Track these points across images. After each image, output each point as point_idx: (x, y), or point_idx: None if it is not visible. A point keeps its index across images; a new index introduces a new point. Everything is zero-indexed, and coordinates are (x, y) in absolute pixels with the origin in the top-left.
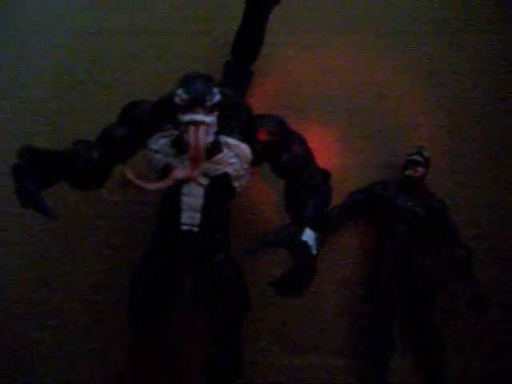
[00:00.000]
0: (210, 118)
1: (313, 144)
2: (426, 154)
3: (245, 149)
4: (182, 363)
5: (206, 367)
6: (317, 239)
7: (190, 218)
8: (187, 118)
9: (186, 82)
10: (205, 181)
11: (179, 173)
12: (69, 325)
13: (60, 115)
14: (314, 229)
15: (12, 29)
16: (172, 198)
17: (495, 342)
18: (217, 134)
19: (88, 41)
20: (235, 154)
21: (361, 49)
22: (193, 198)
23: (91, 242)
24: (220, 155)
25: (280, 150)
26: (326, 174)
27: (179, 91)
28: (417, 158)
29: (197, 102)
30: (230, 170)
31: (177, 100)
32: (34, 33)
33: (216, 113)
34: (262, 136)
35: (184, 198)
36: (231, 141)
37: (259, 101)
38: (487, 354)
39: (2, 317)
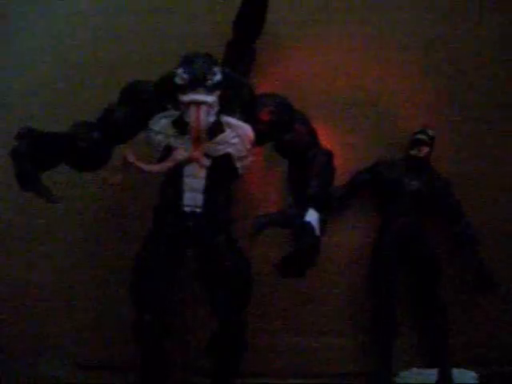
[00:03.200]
0: (211, 98)
1: (316, 124)
2: (431, 133)
3: (247, 129)
4: (185, 343)
5: (209, 347)
6: (320, 220)
7: (193, 199)
8: (188, 97)
9: (186, 61)
10: (207, 161)
11: (180, 154)
12: (74, 309)
13: (62, 96)
14: (317, 209)
15: (13, 11)
16: (174, 179)
17: (499, 320)
18: (218, 114)
19: (89, 21)
20: (237, 134)
21: (363, 26)
22: (195, 179)
23: (92, 225)
24: (222, 135)
25: (283, 129)
26: (329, 154)
27: (180, 71)
28: (422, 137)
29: (197, 82)
30: (232, 150)
31: (177, 80)
32: (35, 14)
33: (217, 92)
34: (265, 116)
35: (186, 179)
36: (233, 121)
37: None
38: (491, 331)
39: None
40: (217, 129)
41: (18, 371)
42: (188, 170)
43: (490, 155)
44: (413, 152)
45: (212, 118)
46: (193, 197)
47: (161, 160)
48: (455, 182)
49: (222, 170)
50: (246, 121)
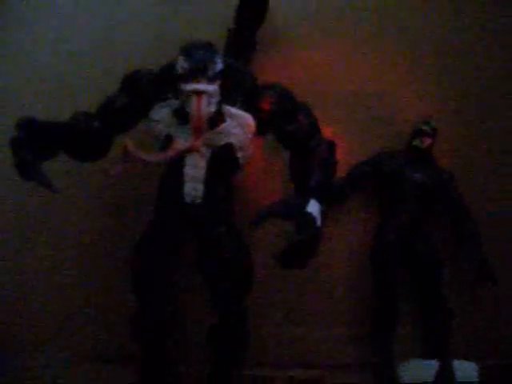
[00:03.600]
0: (212, 87)
1: (317, 114)
2: (434, 125)
3: (248, 119)
4: (185, 336)
5: (209, 338)
6: (321, 211)
7: (193, 189)
8: (189, 87)
9: (187, 50)
10: (208, 151)
11: (181, 144)
12: (73, 305)
13: (60, 85)
14: (319, 200)
15: (13, 6)
16: (175, 169)
17: (500, 312)
18: (219, 103)
19: (88, 8)
20: (238, 123)
21: (365, 20)
22: (196, 169)
23: (92, 217)
24: (223, 125)
25: (285, 119)
26: (331, 145)
27: (181, 60)
28: (424, 128)
29: (199, 71)
30: (233, 140)
31: (178, 69)
32: (33, 2)
33: (218, 82)
34: (266, 105)
35: (187, 170)
36: (234, 110)
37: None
38: (492, 323)
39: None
40: (218, 118)
41: (15, 368)
42: (189, 160)
43: (492, 150)
44: (415, 143)
45: (213, 108)
46: (193, 187)
47: (161, 150)
48: (457, 177)
49: (223, 160)
50: (247, 110)
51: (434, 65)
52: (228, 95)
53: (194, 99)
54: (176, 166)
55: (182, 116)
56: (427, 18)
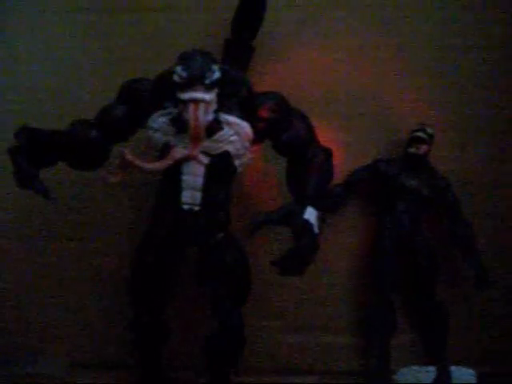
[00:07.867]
0: (209, 96)
1: (314, 121)
2: (430, 131)
3: (245, 127)
4: (183, 342)
5: (206, 346)
6: (319, 218)
7: (191, 197)
8: (186, 95)
9: (184, 59)
10: (205, 159)
11: (178, 152)
12: (73, 308)
13: (57, 94)
14: (315, 207)
15: (4, 4)
16: (172, 177)
17: (497, 318)
18: (217, 111)
19: (84, 18)
20: (235, 131)
21: (362, 23)
22: (193, 177)
23: (90, 224)
24: (220, 133)
25: (281, 127)
26: (327, 152)
27: (178, 69)
28: (420, 135)
29: (196, 80)
30: (230, 148)
31: (176, 78)
32: (28, 8)
33: (215, 90)
34: (264, 113)
35: (184, 177)
36: (231, 119)
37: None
38: (491, 331)
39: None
40: (215, 127)
41: (14, 376)
42: (186, 168)
43: (490, 154)
44: (411, 150)
45: (210, 116)
46: (191, 195)
47: (159, 158)
48: (455, 181)
49: (221, 167)
50: (244, 118)
51: (431, 73)
52: (225, 103)
53: (191, 108)
54: (174, 173)
55: (179, 124)
56: (426, 27)
